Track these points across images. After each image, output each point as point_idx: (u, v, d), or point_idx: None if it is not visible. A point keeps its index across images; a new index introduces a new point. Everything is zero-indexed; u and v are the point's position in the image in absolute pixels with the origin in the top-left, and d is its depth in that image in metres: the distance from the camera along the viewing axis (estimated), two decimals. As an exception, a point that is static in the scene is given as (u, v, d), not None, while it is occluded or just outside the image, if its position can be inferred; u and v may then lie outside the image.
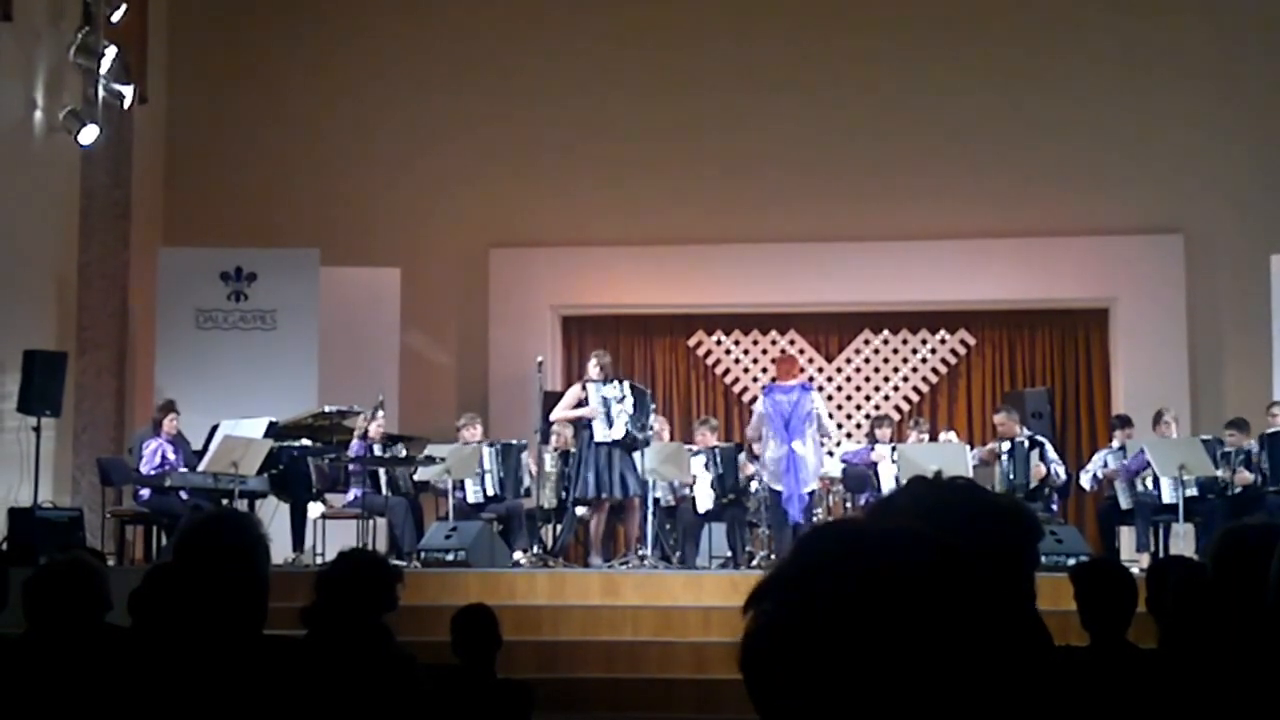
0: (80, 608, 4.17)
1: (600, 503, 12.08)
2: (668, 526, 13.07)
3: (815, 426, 12.44)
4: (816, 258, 15.82)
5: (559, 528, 12.99)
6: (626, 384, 12.29)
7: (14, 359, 12.47)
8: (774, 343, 16.38)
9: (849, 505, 13.02)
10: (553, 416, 12.62)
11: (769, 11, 16.23)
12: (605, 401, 11.99)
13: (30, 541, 11.08)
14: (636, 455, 12.09)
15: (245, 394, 13.99)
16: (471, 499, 12.79)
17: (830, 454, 13.54)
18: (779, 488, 12.25)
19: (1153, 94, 15.62)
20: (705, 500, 12.95)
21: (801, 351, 16.08)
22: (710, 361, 16.46)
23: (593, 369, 12.34)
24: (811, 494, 12.29)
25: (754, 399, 16.39)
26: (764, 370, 16.27)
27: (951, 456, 12.15)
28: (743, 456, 13.29)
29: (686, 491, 13.06)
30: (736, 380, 16.43)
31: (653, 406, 12.84)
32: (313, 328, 14.78)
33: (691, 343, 16.47)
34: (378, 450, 12.72)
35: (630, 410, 12.02)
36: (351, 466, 12.66)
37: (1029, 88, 15.71)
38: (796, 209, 15.86)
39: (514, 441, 13.21)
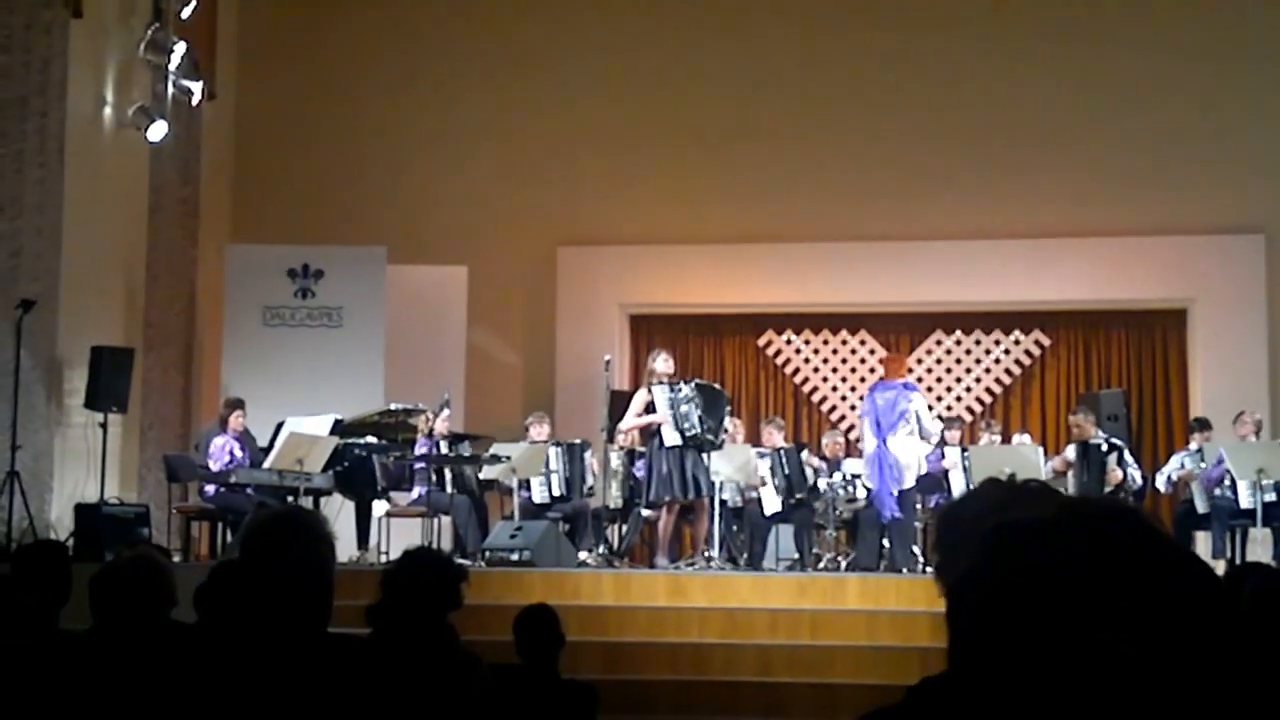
0: (146, 604, 4.19)
1: (669, 504, 12.03)
2: (735, 528, 13.08)
3: (912, 426, 12.31)
4: (888, 257, 15.76)
5: (625, 528, 13.07)
6: (694, 384, 12.16)
7: (82, 355, 12.54)
8: (844, 342, 16.37)
9: (919, 508, 13.00)
10: (621, 428, 12.59)
11: (841, 6, 16.18)
12: (672, 404, 11.92)
13: (97, 537, 11.15)
14: (705, 455, 12.11)
15: (311, 391, 14.08)
16: (537, 498, 12.84)
17: (941, 455, 13.46)
18: (872, 486, 12.19)
19: (1234, 91, 15.50)
20: (772, 502, 12.98)
21: (872, 352, 16.11)
22: (780, 361, 16.38)
23: (658, 365, 12.22)
24: (903, 494, 12.13)
25: (823, 400, 16.48)
26: (834, 370, 16.40)
27: (1025, 459, 12.08)
28: (806, 455, 13.35)
29: (754, 493, 13.09)
30: (806, 380, 16.34)
31: (728, 409, 12.74)
32: (379, 325, 14.84)
33: (761, 342, 16.41)
34: (443, 448, 12.76)
35: (699, 410, 11.91)
36: (417, 464, 12.71)
37: (1107, 83, 15.60)
38: (868, 208, 15.83)
39: (579, 441, 13.25)
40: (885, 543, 12.24)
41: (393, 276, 15.02)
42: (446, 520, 12.77)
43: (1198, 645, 1.38)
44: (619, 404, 12.79)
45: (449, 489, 12.62)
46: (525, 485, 12.77)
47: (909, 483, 12.22)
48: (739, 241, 15.89)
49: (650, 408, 12.05)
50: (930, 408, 13.27)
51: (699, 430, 11.90)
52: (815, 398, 16.35)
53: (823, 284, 15.86)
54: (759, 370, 16.47)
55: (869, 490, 12.35)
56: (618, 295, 16.07)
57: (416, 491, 12.79)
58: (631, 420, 12.29)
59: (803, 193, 15.90)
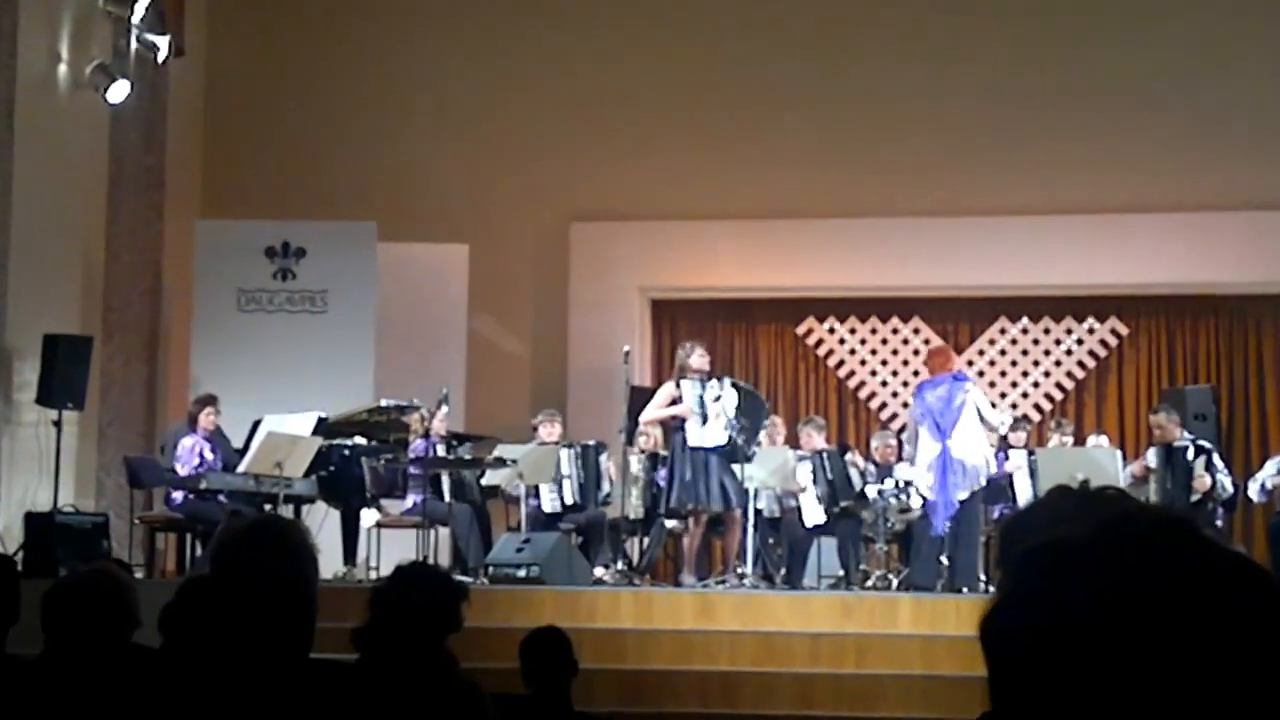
0: (104, 625, 4.19)
1: (695, 514, 12.07)
2: (771, 541, 13.05)
3: (973, 421, 12.25)
4: (946, 234, 15.77)
5: (646, 541, 13.10)
6: (727, 382, 12.22)
7: (33, 344, 12.47)
8: (894, 331, 16.38)
9: (981, 518, 12.89)
10: (642, 419, 12.60)
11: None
12: (701, 401, 11.94)
13: (49, 550, 11.10)
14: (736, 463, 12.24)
15: (292, 385, 14.06)
16: (547, 507, 12.83)
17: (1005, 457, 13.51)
18: (929, 495, 12.13)
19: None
20: (813, 512, 12.99)
21: (927, 342, 16.01)
22: (822, 353, 16.41)
23: (693, 360, 12.24)
24: (965, 502, 12.06)
25: (871, 396, 16.49)
26: (883, 362, 16.48)
27: (1100, 464, 12.05)
28: (851, 458, 13.34)
29: (792, 501, 13.10)
30: (852, 374, 16.36)
31: (767, 420, 12.83)
32: (368, 311, 14.86)
33: (800, 331, 16.41)
34: (441, 451, 12.78)
35: (730, 413, 11.95)
36: (411, 469, 12.72)
37: (1194, 41, 15.60)
38: (922, 179, 15.84)
39: (595, 443, 13.25)
40: (943, 558, 12.19)
41: (384, 256, 15.02)
42: (445, 532, 12.76)
43: (1268, 684, 1.35)
44: (639, 401, 12.77)
45: (447, 497, 12.57)
46: (534, 492, 12.78)
47: (982, 481, 12.15)
48: (775, 217, 15.88)
49: (678, 403, 12.05)
50: (993, 405, 13.27)
51: (732, 434, 11.90)
52: (862, 394, 16.38)
53: (870, 265, 15.85)
54: (798, 362, 16.46)
55: (925, 500, 12.31)
56: (638, 277, 16.13)
57: (410, 499, 12.78)
58: (654, 411, 12.30)
59: (848, 162, 15.90)
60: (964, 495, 12.07)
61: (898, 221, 15.80)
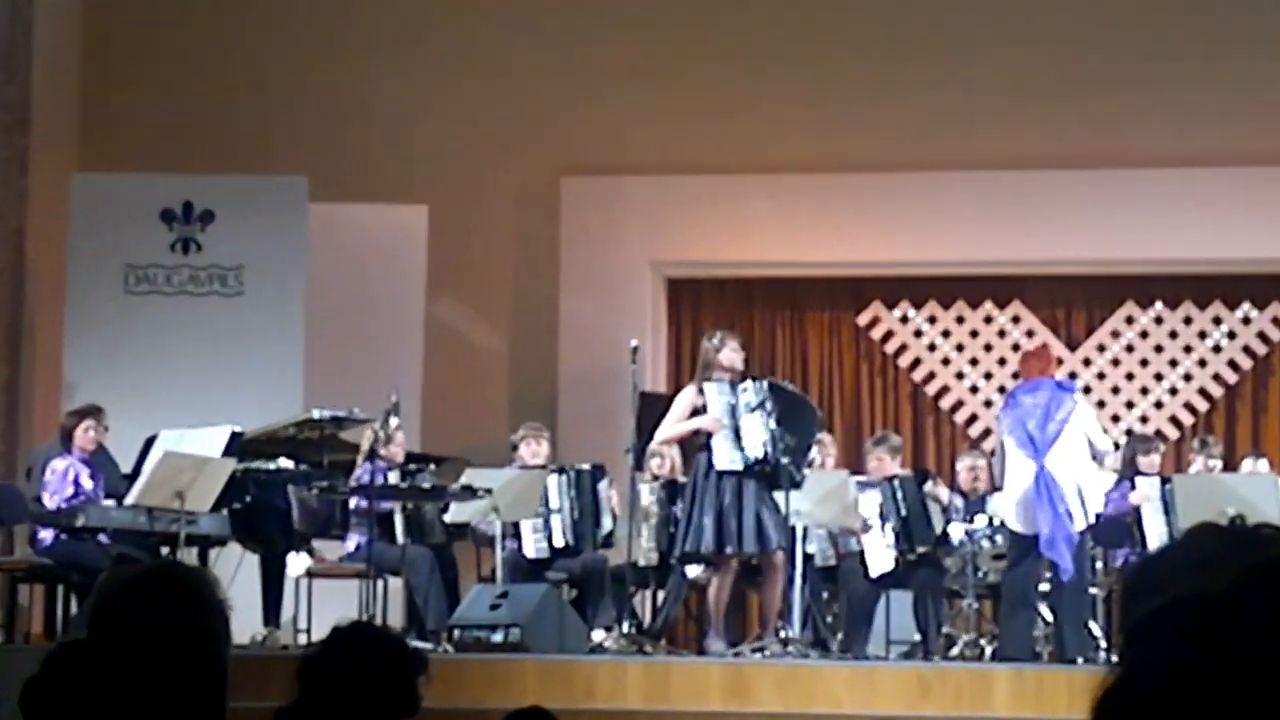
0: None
1: (724, 559, 11.88)
2: (825, 596, 13.19)
3: (1078, 443, 12.18)
4: (1055, 192, 15.78)
5: (661, 595, 13.25)
6: (765, 384, 12.07)
7: None
8: (987, 320, 16.33)
9: (1099, 565, 12.89)
10: (657, 436, 12.53)
11: None
12: (732, 410, 11.84)
13: None
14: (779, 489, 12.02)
15: (197, 391, 14.16)
16: (531, 551, 12.91)
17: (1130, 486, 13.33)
18: (1020, 528, 12.04)
19: None
20: (881, 557, 12.91)
21: (1030, 334, 16.08)
22: (891, 349, 16.41)
23: (723, 356, 12.06)
24: (1082, 535, 11.98)
25: (957, 406, 16.44)
26: (972, 362, 16.42)
27: (1257, 494, 12.00)
28: (931, 487, 13.30)
29: (853, 544, 13.10)
30: (931, 377, 16.37)
31: (819, 433, 12.77)
32: (297, 294, 14.96)
33: (862, 320, 16.42)
34: (392, 478, 12.69)
35: (772, 424, 11.79)
36: (353, 501, 12.71)
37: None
38: (1023, 121, 15.82)
39: (593, 466, 13.31)
40: (1047, 616, 12.22)
41: (316, 221, 15.11)
42: (396, 583, 12.79)
43: None
44: (652, 412, 12.70)
45: (400, 537, 12.63)
46: (513, 532, 12.81)
47: (1083, 522, 11.97)
48: (829, 170, 15.91)
49: (701, 412, 11.93)
50: (1115, 418, 13.17)
51: (771, 453, 11.75)
52: (944, 403, 16.36)
53: (954, 232, 15.87)
54: (859, 361, 16.48)
55: (1017, 535, 12.08)
56: (650, 249, 16.18)
57: (352, 541, 12.85)
58: (671, 426, 12.19)
59: (923, 97, 15.88)
60: (1081, 526, 11.93)
61: (991, 176, 15.80)
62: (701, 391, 12.00)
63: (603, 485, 13.27)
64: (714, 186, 16.06)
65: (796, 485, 12.07)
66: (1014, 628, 12.25)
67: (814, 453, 12.69)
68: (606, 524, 13.18)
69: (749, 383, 12.04)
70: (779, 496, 11.91)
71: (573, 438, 14.74)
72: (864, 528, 12.97)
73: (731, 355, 12.10)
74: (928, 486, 13.35)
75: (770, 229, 16.07)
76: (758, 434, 11.80)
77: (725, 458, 11.80)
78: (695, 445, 12.15)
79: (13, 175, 14.88)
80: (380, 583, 12.53)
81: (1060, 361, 15.84)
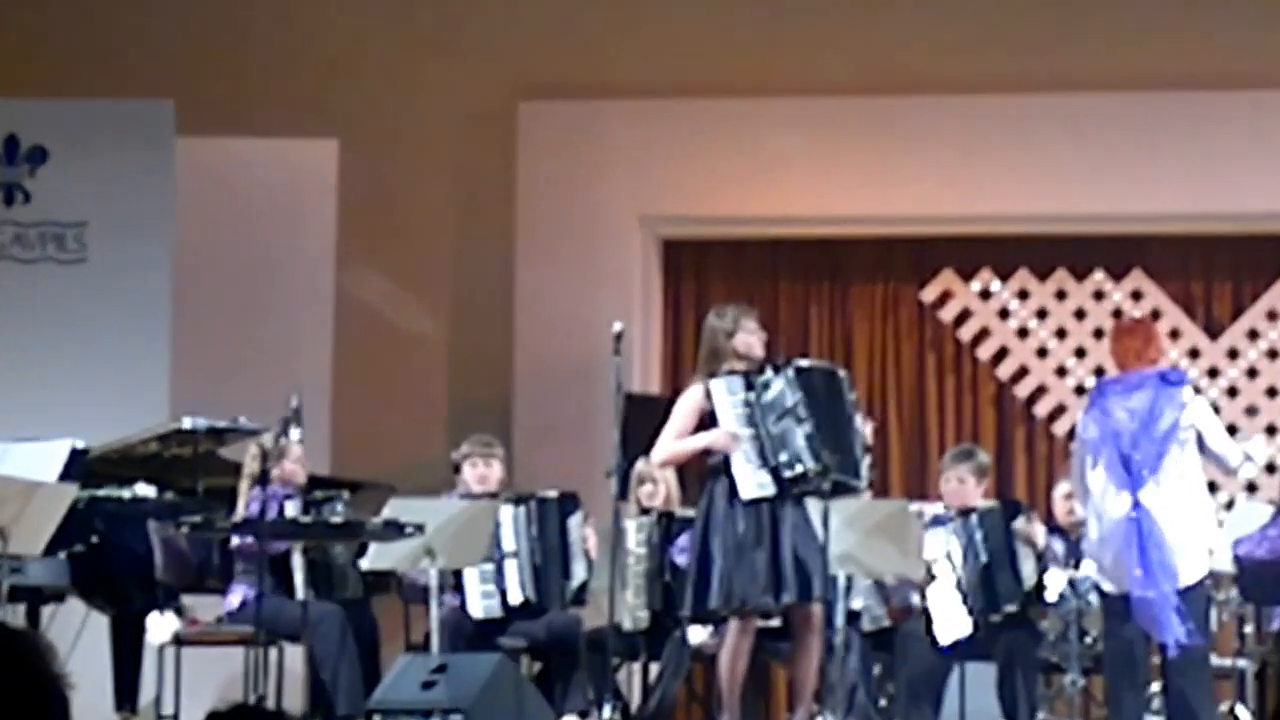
0: None
1: (744, 615, 11.54)
2: (876, 671, 12.97)
3: (1192, 461, 11.83)
4: (1189, 119, 15.57)
5: (656, 668, 13.02)
6: (793, 373, 11.54)
7: None
8: (1098, 296, 16.12)
9: (1247, 627, 12.64)
10: (655, 456, 11.96)
11: None
12: (750, 412, 11.40)
13: None
14: (813, 511, 11.40)
15: (26, 391, 14.23)
16: (479, 610, 12.80)
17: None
18: (1109, 585, 11.79)
19: None
20: (954, 618, 12.62)
21: (1156, 315, 15.80)
22: (967, 335, 16.34)
23: (737, 340, 11.52)
24: (1189, 592, 11.55)
25: (1057, 412, 16.21)
26: (1078, 353, 16.12)
27: None
28: (1023, 524, 12.90)
29: (914, 599, 12.96)
30: (1022, 373, 16.26)
31: (865, 426, 12.07)
32: (160, 261, 14.84)
33: (928, 295, 16.38)
34: (291, 509, 12.52)
35: (808, 424, 11.40)
36: (237, 541, 12.53)
37: None
38: (1141, 28, 15.52)
39: (559, 494, 13.16)
40: (1159, 691, 11.93)
41: (187, 163, 14.95)
42: (295, 652, 12.51)
43: None
44: (641, 420, 12.53)
45: (300, 591, 12.41)
46: (454, 583, 12.72)
47: (1197, 573, 11.66)
48: (879, 92, 15.70)
49: (711, 421, 11.49)
50: (1231, 430, 12.77)
51: (807, 466, 11.28)
52: (1040, 409, 16.08)
53: (1052, 177, 15.62)
54: (922, 351, 16.37)
55: (1106, 596, 11.85)
56: (638, 200, 15.98)
57: (236, 596, 12.59)
58: (672, 445, 11.65)
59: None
60: (1187, 582, 11.61)
61: (1103, 99, 15.48)
62: (709, 395, 11.48)
63: (574, 521, 12.99)
64: (725, 115, 15.68)
65: (855, 489, 11.80)
66: (1122, 714, 11.92)
67: (864, 476, 11.85)
68: (579, 573, 12.98)
69: (770, 374, 11.57)
70: (815, 518, 11.45)
71: (534, 456, 14.36)
72: (929, 576, 12.66)
73: (748, 339, 11.61)
74: (1018, 523, 12.80)
75: (802, 172, 15.71)
76: (791, 440, 11.42)
77: (751, 482, 11.31)
78: (707, 468, 11.63)
79: None
80: (274, 651, 12.42)
81: (1175, 336, 15.64)
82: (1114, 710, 11.86)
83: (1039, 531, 12.82)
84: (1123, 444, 11.54)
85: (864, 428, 12.19)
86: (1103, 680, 12.54)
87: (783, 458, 11.35)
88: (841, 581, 11.90)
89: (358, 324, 15.60)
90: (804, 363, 12.00)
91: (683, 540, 12.25)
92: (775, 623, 11.98)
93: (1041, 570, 12.61)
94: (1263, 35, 15.22)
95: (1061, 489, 13.46)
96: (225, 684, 11.96)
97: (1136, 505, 11.46)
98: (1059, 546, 12.92)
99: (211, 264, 14.95)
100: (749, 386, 11.47)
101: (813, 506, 11.60)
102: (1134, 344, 12.08)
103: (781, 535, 11.33)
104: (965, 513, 12.73)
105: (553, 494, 13.01)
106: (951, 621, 12.50)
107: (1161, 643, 11.42)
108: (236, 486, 12.64)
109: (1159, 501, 11.44)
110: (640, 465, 12.58)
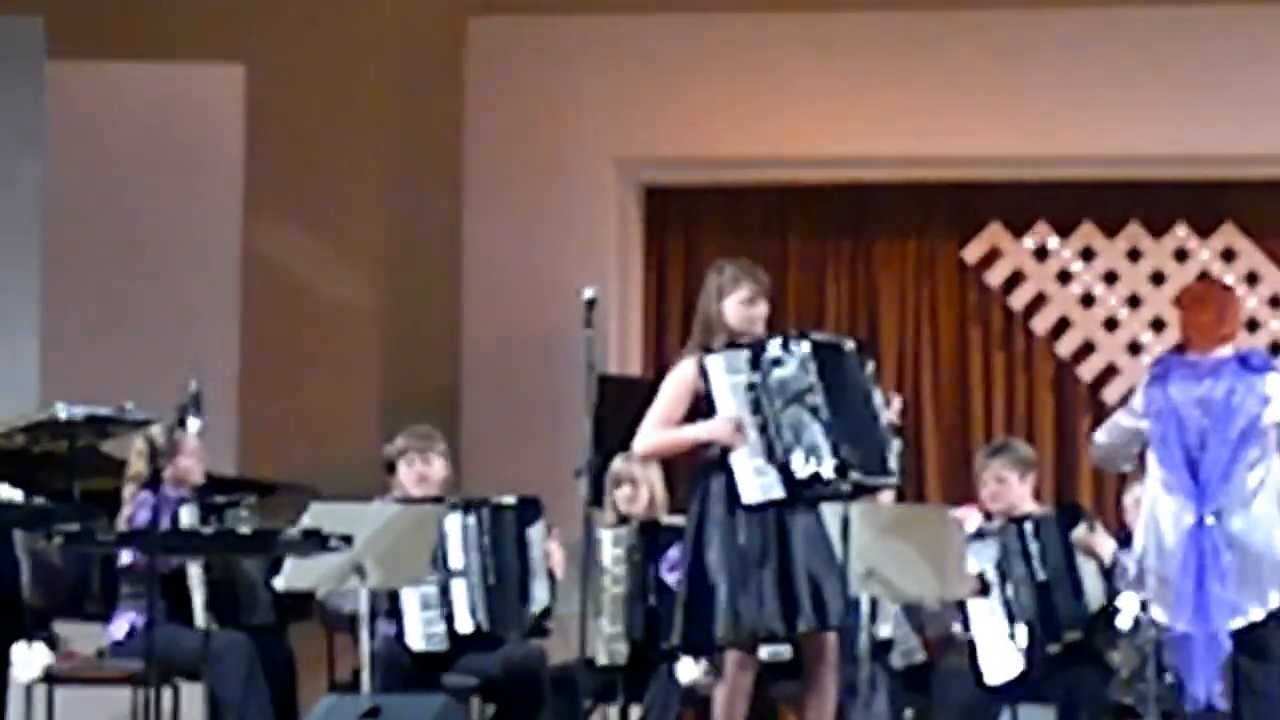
0: None
1: (746, 647, 11.29)
2: (909, 716, 12.88)
3: (1276, 462, 11.53)
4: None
5: (638, 712, 12.91)
6: (806, 345, 11.18)
7: None
8: (1180, 256, 15.91)
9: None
10: (637, 448, 11.68)
11: None
12: (757, 397, 11.16)
13: None
14: (831, 516, 11.06)
15: None
16: (420, 640, 12.77)
17: None
18: (1160, 613, 11.81)
19: None
20: (1003, 651, 12.61)
21: (1252, 279, 15.82)
22: (1020, 302, 16.28)
23: (731, 307, 11.18)
24: (1244, 635, 11.39)
25: (1129, 395, 16.07)
26: (1155, 326, 15.77)
27: None
28: (1084, 534, 12.82)
29: (955, 627, 12.85)
30: (1088, 350, 16.16)
31: (895, 412, 11.42)
32: (31, 211, 14.73)
33: (971, 254, 16.35)
34: (187, 515, 12.49)
35: (823, 411, 11.15)
36: (125, 557, 12.55)
37: None
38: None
39: (517, 500, 13.14)
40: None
41: (61, 92, 14.86)
42: (194, 691, 12.55)
43: None
44: (619, 406, 12.46)
45: (200, 617, 12.40)
46: (389, 607, 12.64)
47: (1273, 603, 11.40)
48: (907, 6, 15.78)
49: (707, 406, 11.23)
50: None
51: (825, 461, 11.02)
52: (1109, 393, 15.66)
53: (1121, 111, 15.49)
54: (964, 320, 16.32)
55: (1155, 632, 11.85)
56: (614, 138, 15.84)
57: (122, 623, 12.63)
58: (657, 436, 11.37)
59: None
60: (1252, 618, 11.55)
61: (1185, 11, 15.28)
62: (703, 373, 11.11)
63: (535, 531, 12.80)
64: (721, 33, 15.43)
65: (889, 483, 11.58)
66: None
67: (891, 472, 11.24)
68: (541, 596, 12.88)
69: (778, 347, 11.21)
70: (833, 525, 11.04)
71: (486, 452, 14.22)
72: (974, 592, 12.40)
73: (745, 307, 11.25)
74: (1078, 532, 12.59)
75: (816, 103, 15.46)
76: (804, 430, 11.11)
77: (753, 483, 10.97)
78: (699, 463, 11.22)
79: None
80: (167, 691, 12.41)
81: (1277, 304, 15.66)
82: None
83: (1105, 543, 12.47)
84: (1189, 442, 11.31)
85: (888, 407, 11.68)
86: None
87: (794, 453, 10.92)
88: (865, 605, 11.36)
89: (270, 289, 15.49)
90: (820, 336, 11.42)
91: (673, 554, 12.09)
92: (783, 653, 11.70)
93: (1110, 592, 12.39)
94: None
95: (1133, 493, 12.99)
96: (105, 732, 12.02)
97: (1199, 522, 11.27)
98: (1130, 562, 12.59)
99: (90, 214, 14.83)
100: (755, 364, 11.03)
101: (829, 512, 11.09)
102: (1203, 318, 11.47)
103: (792, 548, 10.93)
104: (1014, 521, 12.41)
105: (509, 499, 12.68)
106: (1001, 655, 12.33)
107: (1193, 697, 11.27)
108: (121, 489, 12.61)
109: (1230, 518, 11.31)
110: (617, 463, 12.34)
